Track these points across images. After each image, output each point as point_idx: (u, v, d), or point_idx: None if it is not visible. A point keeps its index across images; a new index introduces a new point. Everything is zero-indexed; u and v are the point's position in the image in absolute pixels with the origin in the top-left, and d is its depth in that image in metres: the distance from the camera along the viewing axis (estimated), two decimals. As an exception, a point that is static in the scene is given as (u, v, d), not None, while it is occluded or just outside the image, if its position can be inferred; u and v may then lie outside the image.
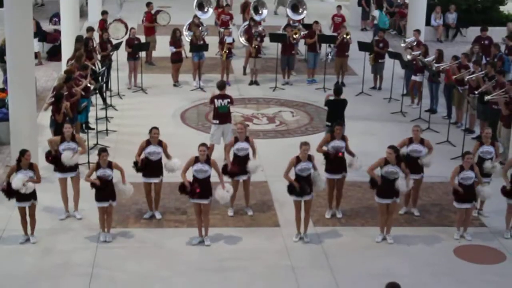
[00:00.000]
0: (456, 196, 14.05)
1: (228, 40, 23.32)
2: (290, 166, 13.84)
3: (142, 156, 14.55)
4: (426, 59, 21.18)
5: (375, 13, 29.92)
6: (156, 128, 14.65)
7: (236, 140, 14.96)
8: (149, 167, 14.53)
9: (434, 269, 13.29)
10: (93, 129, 18.77)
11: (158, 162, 14.59)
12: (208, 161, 13.68)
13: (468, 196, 13.96)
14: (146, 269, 13.02)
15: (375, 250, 13.84)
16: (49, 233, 14.13)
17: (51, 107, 17.01)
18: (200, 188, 13.53)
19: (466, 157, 13.95)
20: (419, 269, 13.27)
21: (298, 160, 13.82)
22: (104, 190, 13.71)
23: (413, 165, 14.56)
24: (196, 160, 13.63)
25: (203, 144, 13.76)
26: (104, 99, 20.64)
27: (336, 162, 14.78)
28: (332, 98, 17.45)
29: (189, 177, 13.71)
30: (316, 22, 24.36)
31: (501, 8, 31.57)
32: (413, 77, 21.66)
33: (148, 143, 14.56)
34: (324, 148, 14.86)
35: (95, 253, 13.42)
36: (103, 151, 13.87)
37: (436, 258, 13.63)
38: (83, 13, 30.42)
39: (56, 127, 16.76)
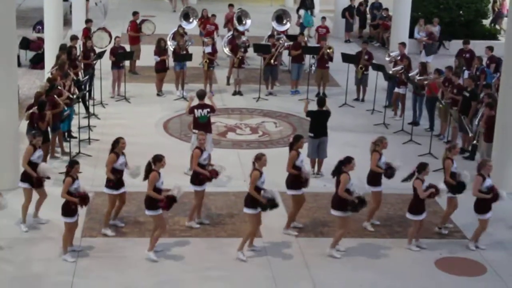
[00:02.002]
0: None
1: (207, 50, 23.33)
2: (255, 180, 13.70)
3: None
4: (410, 74, 21.28)
5: (301, 12, 30.85)
6: (123, 138, 14.61)
7: (201, 150, 14.91)
8: (120, 177, 14.55)
9: (414, 281, 13.32)
10: (76, 137, 18.71)
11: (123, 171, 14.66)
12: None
13: (423, 208, 14.15)
14: (127, 279, 12.97)
15: (357, 262, 13.85)
16: (28, 242, 14.04)
17: (33, 114, 16.93)
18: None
19: (426, 169, 14.10)
20: (400, 280, 13.29)
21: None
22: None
23: (376, 178, 14.92)
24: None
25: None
26: (87, 108, 20.58)
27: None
28: (315, 109, 17.51)
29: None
30: (302, 33, 24.45)
31: (484, 21, 31.81)
32: (396, 89, 21.76)
33: (117, 155, 14.46)
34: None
35: (75, 262, 13.35)
36: (76, 163, 13.65)
37: (417, 270, 13.66)
38: (67, 21, 30.35)
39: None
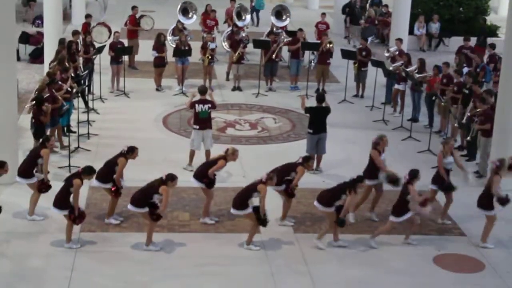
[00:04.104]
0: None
1: (211, 46, 23.34)
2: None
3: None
4: (408, 69, 21.28)
5: None
6: (138, 148, 14.66)
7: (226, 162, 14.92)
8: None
9: (413, 277, 13.32)
10: (75, 132, 18.71)
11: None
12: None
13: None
14: (125, 274, 12.96)
15: (355, 257, 13.85)
16: (27, 236, 14.03)
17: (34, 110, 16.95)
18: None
19: (417, 176, 14.08)
20: (398, 276, 13.29)
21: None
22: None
23: (374, 171, 15.04)
24: None
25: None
26: (86, 103, 20.58)
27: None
28: (314, 105, 17.51)
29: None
30: (300, 29, 24.44)
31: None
32: (396, 86, 21.74)
33: (127, 161, 14.56)
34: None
35: (74, 257, 13.34)
36: (94, 172, 13.85)
37: (416, 267, 13.66)
38: (66, 16, 30.31)
39: (36, 129, 16.72)
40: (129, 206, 13.72)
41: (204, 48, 23.52)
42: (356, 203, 14.92)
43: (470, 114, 18.05)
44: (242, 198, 13.82)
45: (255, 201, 13.69)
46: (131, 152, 14.49)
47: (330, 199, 13.90)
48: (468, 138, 18.26)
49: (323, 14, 28.64)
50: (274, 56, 23.73)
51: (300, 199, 15.40)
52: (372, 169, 15.08)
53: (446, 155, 15.01)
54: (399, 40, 23.35)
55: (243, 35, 24.89)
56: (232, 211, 13.96)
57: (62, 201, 13.55)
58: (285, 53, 25.67)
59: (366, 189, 15.13)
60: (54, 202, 13.62)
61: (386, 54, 23.47)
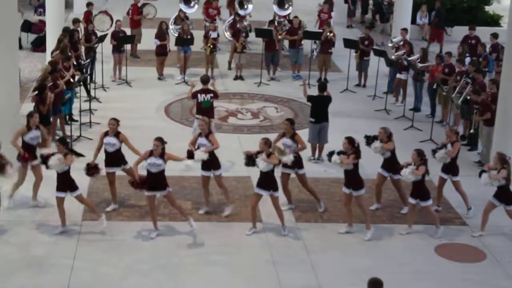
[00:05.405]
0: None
1: (213, 35, 23.30)
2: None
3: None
4: (410, 58, 21.24)
5: None
6: (114, 119, 14.61)
7: (200, 135, 14.87)
8: (107, 158, 14.66)
9: (414, 266, 13.34)
10: (77, 121, 18.71)
11: (115, 153, 14.59)
12: (162, 155, 13.53)
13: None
14: (127, 262, 12.99)
15: (357, 246, 13.88)
16: (30, 224, 14.06)
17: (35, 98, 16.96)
18: (151, 181, 13.55)
19: None
20: (400, 266, 13.30)
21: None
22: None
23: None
24: (151, 153, 13.55)
25: (158, 139, 13.58)
26: (88, 91, 20.59)
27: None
28: (316, 94, 17.50)
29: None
30: (296, 17, 24.40)
31: (486, 8, 31.71)
32: (398, 75, 21.72)
33: (106, 133, 14.60)
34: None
35: (76, 246, 13.38)
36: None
37: (417, 256, 13.68)
38: (68, 4, 30.24)
39: (40, 118, 16.69)
40: (146, 193, 13.71)
41: (206, 37, 23.50)
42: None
43: (471, 103, 18.05)
44: None
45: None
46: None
47: None
48: (472, 130, 18.26)
49: (325, 3, 28.57)
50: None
51: (302, 188, 15.40)
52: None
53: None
54: (404, 30, 23.23)
55: (245, 24, 24.85)
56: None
57: (67, 185, 13.62)
58: (286, 42, 25.61)
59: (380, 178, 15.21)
60: (57, 187, 13.64)
61: (390, 45, 23.38)
